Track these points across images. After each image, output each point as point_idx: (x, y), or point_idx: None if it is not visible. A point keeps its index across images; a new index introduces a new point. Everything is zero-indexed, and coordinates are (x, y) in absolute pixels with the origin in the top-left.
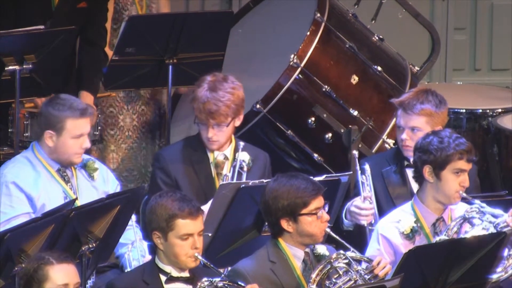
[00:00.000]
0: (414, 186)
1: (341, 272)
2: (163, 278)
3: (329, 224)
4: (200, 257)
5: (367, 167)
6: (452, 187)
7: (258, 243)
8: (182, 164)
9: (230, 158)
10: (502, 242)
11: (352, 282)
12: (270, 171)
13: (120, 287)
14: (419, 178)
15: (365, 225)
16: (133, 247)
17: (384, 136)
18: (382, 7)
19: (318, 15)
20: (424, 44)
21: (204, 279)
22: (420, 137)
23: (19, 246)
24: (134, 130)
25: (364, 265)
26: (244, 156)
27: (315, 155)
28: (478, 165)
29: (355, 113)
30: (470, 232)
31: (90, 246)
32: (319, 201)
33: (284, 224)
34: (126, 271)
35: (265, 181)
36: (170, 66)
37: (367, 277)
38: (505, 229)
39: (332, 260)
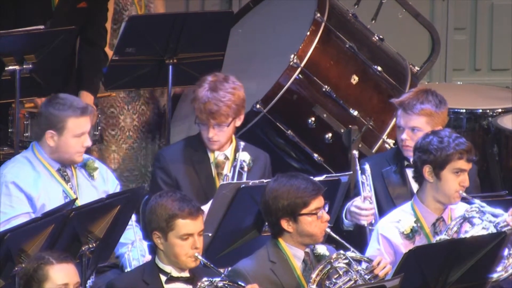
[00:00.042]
0: (414, 186)
1: (341, 272)
2: (163, 278)
3: (329, 224)
4: (200, 257)
5: (367, 167)
6: (452, 187)
7: (258, 243)
8: (182, 164)
9: (230, 158)
10: (502, 241)
11: (352, 282)
12: (270, 171)
13: (120, 287)
14: (419, 178)
15: (365, 225)
16: (133, 247)
17: (384, 136)
18: (382, 7)
19: (318, 15)
20: (424, 44)
21: (204, 279)
22: (420, 137)
23: (19, 246)
24: (134, 130)
25: (364, 265)
26: (244, 156)
27: (315, 155)
28: (478, 165)
29: (355, 113)
30: (470, 231)
31: (90, 246)
32: (319, 201)
33: (284, 224)
34: (126, 271)
35: (265, 181)
36: (170, 66)
37: (367, 277)
38: (505, 229)
39: (332, 260)
